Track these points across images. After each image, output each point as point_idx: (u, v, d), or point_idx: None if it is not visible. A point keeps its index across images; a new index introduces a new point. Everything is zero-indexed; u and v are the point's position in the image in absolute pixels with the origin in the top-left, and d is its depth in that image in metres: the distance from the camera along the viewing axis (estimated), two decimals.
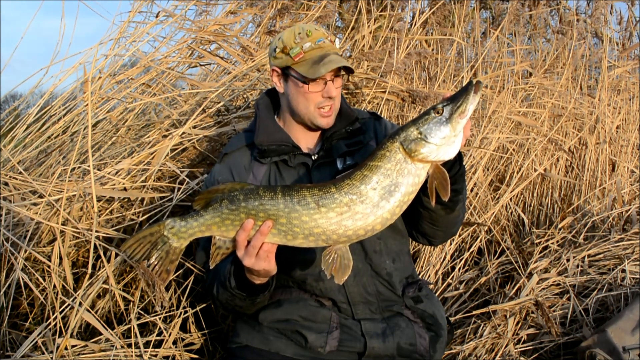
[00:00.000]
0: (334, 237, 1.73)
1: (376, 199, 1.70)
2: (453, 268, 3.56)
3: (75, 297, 2.39)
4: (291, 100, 2.14)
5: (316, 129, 2.19)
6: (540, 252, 3.53)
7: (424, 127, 1.69)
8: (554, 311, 3.02)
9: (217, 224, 1.77)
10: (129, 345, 2.41)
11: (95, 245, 2.42)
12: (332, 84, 2.09)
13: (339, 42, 2.14)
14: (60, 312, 2.33)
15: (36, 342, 2.28)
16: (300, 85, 2.08)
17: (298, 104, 2.12)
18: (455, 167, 1.91)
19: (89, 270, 2.47)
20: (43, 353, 2.26)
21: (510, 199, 4.11)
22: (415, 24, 4.12)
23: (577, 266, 3.34)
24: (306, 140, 2.21)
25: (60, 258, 2.53)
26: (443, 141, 1.68)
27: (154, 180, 2.81)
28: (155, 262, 1.82)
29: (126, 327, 2.55)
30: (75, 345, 2.36)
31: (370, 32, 4.03)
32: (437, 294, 3.36)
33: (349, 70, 2.12)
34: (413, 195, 1.74)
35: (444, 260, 3.51)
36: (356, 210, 1.70)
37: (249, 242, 1.76)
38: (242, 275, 1.89)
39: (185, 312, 2.64)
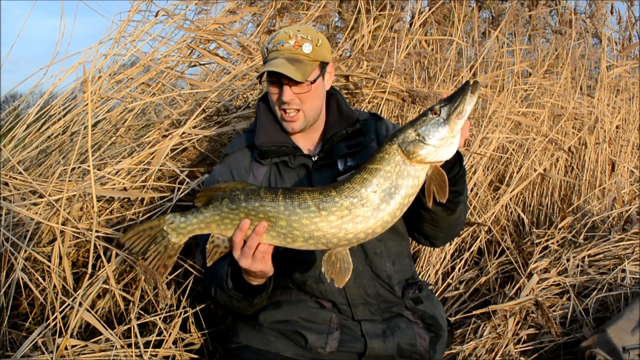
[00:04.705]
0: (334, 240, 1.72)
1: (377, 202, 1.69)
2: (453, 268, 3.56)
3: (75, 297, 2.39)
4: None
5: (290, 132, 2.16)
6: (540, 252, 3.53)
7: (422, 129, 1.69)
8: (554, 311, 3.02)
9: (216, 222, 1.77)
10: (129, 345, 2.41)
11: (95, 245, 2.42)
12: (288, 89, 2.04)
13: (309, 46, 2.03)
14: (60, 312, 2.33)
15: (36, 342, 2.28)
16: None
17: (270, 103, 2.16)
18: (455, 168, 1.91)
19: (89, 270, 2.47)
20: (43, 353, 2.27)
21: (510, 199, 4.10)
22: (414, 24, 4.12)
23: (577, 266, 3.34)
24: (306, 142, 2.21)
25: (60, 258, 2.53)
26: (441, 142, 1.67)
27: (154, 180, 2.81)
28: (153, 256, 1.81)
29: (126, 327, 2.55)
30: (75, 345, 2.36)
31: (370, 32, 4.02)
32: (437, 294, 3.36)
33: (290, 79, 2.00)
34: (413, 197, 1.73)
35: (444, 260, 3.51)
36: (357, 214, 1.69)
37: (245, 242, 1.75)
38: (239, 277, 1.88)
39: (185, 312, 2.64)
